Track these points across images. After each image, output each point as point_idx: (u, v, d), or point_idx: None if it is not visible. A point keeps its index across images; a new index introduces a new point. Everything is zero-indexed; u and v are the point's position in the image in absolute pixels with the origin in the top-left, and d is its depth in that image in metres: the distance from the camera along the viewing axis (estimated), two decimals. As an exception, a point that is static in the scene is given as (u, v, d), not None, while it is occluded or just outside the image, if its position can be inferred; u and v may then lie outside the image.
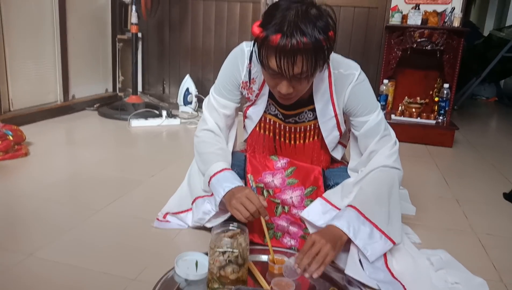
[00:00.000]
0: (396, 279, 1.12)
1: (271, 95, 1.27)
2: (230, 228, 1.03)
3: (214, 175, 1.20)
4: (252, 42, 1.15)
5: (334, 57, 1.23)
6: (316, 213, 1.23)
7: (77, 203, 1.53)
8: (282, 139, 1.37)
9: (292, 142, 1.37)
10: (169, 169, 1.96)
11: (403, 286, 1.10)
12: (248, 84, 1.28)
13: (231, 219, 1.20)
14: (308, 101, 1.27)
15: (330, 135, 1.32)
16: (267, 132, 1.38)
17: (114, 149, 2.29)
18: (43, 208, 1.47)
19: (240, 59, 1.26)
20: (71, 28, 3.02)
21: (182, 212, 1.38)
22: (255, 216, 1.11)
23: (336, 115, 1.27)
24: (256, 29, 1.05)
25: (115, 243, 1.25)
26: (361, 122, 1.25)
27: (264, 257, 1.15)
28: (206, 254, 1.04)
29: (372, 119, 1.24)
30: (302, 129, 1.34)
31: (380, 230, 1.14)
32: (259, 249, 1.17)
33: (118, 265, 1.13)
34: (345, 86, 1.23)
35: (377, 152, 1.25)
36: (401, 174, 1.26)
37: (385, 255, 1.15)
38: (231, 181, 1.18)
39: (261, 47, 1.05)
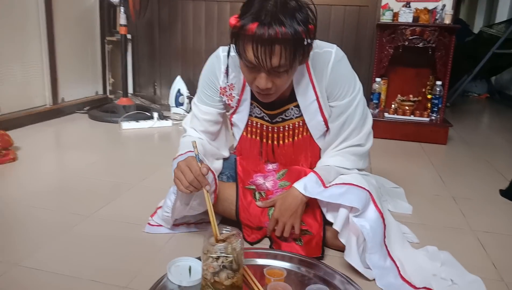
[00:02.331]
0: (392, 258, 1.12)
1: (254, 98, 1.23)
2: (224, 231, 0.99)
3: (176, 157, 1.19)
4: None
5: None
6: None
7: (65, 209, 1.48)
8: (269, 141, 1.33)
9: (281, 142, 1.33)
10: (161, 171, 1.92)
11: (398, 267, 1.10)
12: (226, 89, 1.25)
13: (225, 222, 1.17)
14: (291, 98, 1.24)
15: (313, 120, 1.26)
16: (254, 136, 1.34)
17: (104, 152, 2.24)
18: (30, 215, 1.42)
19: (217, 65, 1.24)
20: (59, 30, 2.96)
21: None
22: (195, 185, 1.06)
23: (317, 98, 1.22)
24: (233, 20, 1.02)
25: (104, 250, 1.21)
26: (340, 106, 1.22)
27: (260, 261, 1.11)
28: (200, 259, 1.01)
29: (352, 104, 1.22)
30: (291, 127, 1.30)
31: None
32: (253, 252, 1.14)
33: (108, 272, 1.09)
34: (324, 65, 1.18)
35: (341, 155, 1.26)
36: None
37: (384, 233, 1.14)
38: (185, 156, 1.14)
39: (237, 37, 1.02)
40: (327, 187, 1.19)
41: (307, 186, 1.18)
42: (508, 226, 1.51)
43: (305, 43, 1.02)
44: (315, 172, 1.22)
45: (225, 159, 1.40)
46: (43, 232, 1.29)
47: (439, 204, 1.69)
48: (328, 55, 1.18)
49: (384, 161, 2.24)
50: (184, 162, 1.08)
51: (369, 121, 1.28)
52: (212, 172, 1.19)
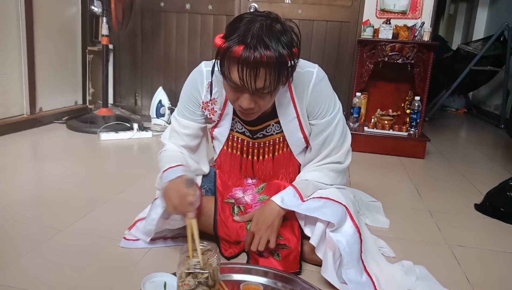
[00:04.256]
0: (368, 273, 1.13)
1: (236, 113, 1.23)
2: (200, 246, 0.98)
3: (166, 170, 1.19)
4: (213, 60, 1.14)
5: None
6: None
7: (39, 222, 1.44)
8: (249, 156, 1.33)
9: (261, 157, 1.33)
10: (139, 184, 1.89)
11: (373, 282, 1.11)
12: (208, 104, 1.25)
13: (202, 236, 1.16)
14: (272, 114, 1.25)
15: (293, 137, 1.28)
16: (234, 151, 1.34)
17: (81, 163, 2.20)
18: (2, 227, 1.38)
19: (199, 80, 1.24)
20: (39, 39, 2.92)
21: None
22: (179, 210, 1.08)
23: (298, 116, 1.23)
24: (219, 40, 1.03)
25: (78, 265, 1.18)
26: (320, 124, 1.23)
27: (236, 276, 1.10)
28: (175, 274, 0.99)
29: (332, 123, 1.23)
30: (271, 142, 1.30)
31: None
32: (228, 267, 1.13)
33: (82, 288, 1.06)
34: (306, 85, 1.20)
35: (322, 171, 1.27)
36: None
37: (361, 248, 1.15)
38: (175, 173, 1.16)
39: (223, 58, 1.02)
40: (304, 200, 1.19)
41: (284, 199, 1.19)
42: (482, 240, 1.54)
43: (289, 65, 1.04)
44: (293, 186, 1.23)
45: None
46: (15, 246, 1.26)
47: (416, 218, 1.71)
48: (309, 75, 1.20)
49: (362, 174, 2.27)
50: (173, 184, 1.11)
51: (348, 139, 1.30)
52: (200, 189, 1.19)
